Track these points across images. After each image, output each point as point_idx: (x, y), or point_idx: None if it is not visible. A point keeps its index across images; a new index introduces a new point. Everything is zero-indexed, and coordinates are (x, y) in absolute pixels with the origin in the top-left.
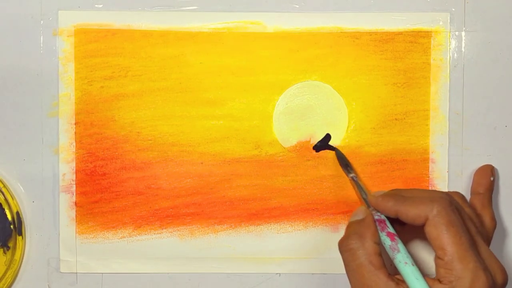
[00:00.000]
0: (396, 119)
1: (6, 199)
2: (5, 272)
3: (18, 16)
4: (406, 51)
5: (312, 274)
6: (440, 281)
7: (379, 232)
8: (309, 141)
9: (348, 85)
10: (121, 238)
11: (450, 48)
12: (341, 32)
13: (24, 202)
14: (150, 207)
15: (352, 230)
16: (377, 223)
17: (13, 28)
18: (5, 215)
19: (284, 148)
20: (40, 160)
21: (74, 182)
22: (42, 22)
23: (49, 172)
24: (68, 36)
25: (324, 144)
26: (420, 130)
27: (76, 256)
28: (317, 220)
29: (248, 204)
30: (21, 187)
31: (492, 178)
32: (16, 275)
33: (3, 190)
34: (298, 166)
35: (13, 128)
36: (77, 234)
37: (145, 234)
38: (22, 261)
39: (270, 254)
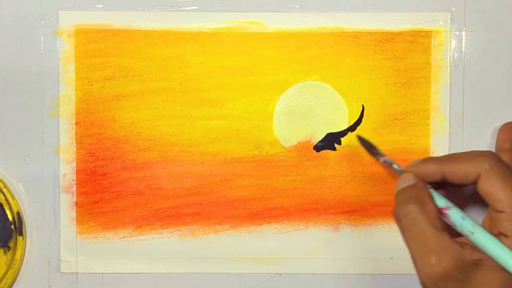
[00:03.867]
0: (396, 119)
1: (6, 199)
2: (6, 272)
3: (19, 16)
4: (407, 51)
5: (313, 274)
6: (506, 236)
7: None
8: (310, 141)
9: (348, 85)
10: (121, 238)
11: (450, 48)
12: (341, 32)
13: (25, 202)
14: (151, 207)
15: (408, 195)
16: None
17: (13, 28)
18: (6, 215)
19: (285, 148)
20: (40, 160)
21: (75, 182)
22: (42, 22)
23: (49, 172)
24: (68, 36)
25: (325, 144)
26: (421, 130)
27: (77, 256)
28: (318, 220)
29: (248, 204)
30: (22, 187)
31: None
32: (17, 275)
33: (4, 190)
34: (298, 166)
35: (13, 128)
36: (77, 234)
37: (146, 234)
38: (22, 261)
39: (271, 254)
